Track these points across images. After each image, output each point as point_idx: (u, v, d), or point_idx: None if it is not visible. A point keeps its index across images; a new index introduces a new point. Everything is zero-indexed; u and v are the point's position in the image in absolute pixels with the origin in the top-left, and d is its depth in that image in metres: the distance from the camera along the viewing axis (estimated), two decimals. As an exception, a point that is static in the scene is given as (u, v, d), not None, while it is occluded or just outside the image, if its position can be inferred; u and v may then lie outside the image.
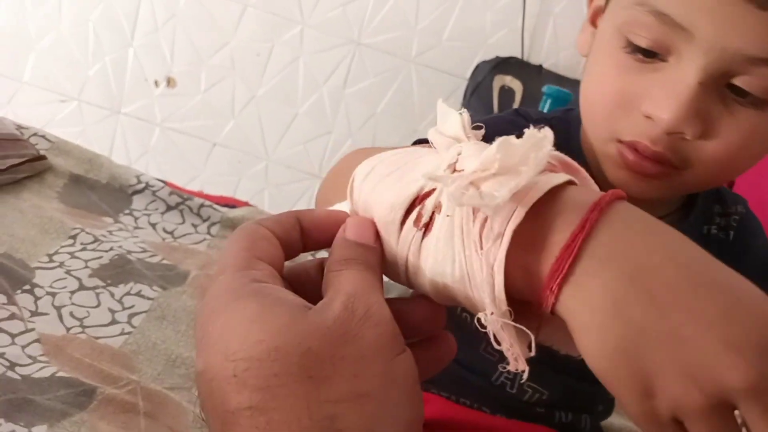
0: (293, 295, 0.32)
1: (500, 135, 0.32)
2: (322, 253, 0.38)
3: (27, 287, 0.83)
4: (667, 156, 0.51)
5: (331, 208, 0.40)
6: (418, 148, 0.38)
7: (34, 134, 1.15)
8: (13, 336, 0.75)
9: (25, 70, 2.02)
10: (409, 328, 0.34)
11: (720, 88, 0.49)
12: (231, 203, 1.26)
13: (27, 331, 0.76)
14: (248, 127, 2.01)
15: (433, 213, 0.34)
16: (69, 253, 0.92)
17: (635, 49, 0.50)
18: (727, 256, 0.30)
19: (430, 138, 0.37)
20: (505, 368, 0.33)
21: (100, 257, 0.92)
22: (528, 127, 0.33)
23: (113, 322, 0.82)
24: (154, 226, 1.08)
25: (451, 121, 0.36)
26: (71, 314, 0.81)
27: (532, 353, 0.33)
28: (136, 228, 1.06)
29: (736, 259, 0.30)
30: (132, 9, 1.95)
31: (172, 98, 2.01)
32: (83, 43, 1.99)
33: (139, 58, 1.99)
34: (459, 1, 1.87)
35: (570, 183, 0.33)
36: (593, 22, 0.57)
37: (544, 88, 1.46)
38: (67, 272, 0.88)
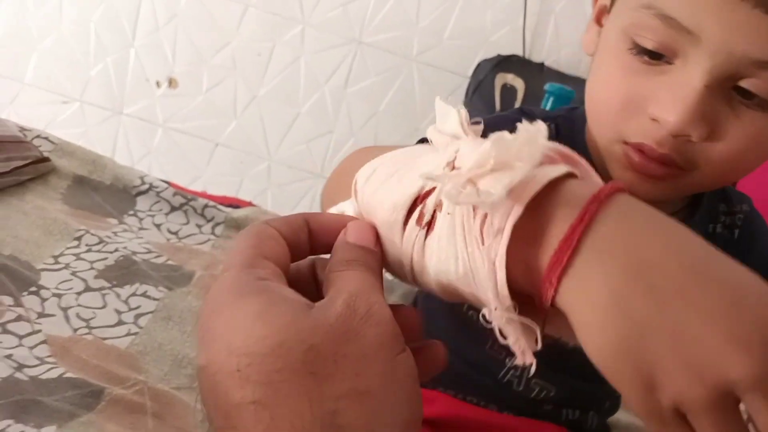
0: (296, 294, 0.32)
1: None
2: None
3: (33, 289, 0.83)
4: (673, 158, 0.51)
5: (334, 207, 0.40)
6: (419, 147, 0.38)
7: (37, 136, 1.15)
8: (20, 337, 0.75)
9: (27, 72, 2.02)
10: None
11: (726, 91, 0.49)
12: (235, 203, 1.26)
13: (34, 332, 0.76)
14: (250, 127, 2.01)
15: (434, 211, 0.34)
16: (74, 254, 0.92)
17: (641, 51, 0.50)
18: (732, 255, 0.30)
19: (429, 136, 0.37)
20: (513, 363, 0.33)
21: (106, 258, 0.92)
22: None
23: (119, 323, 0.82)
24: (158, 226, 1.08)
25: (450, 118, 0.36)
26: (78, 315, 0.81)
27: (539, 346, 0.33)
28: (141, 229, 1.06)
29: (741, 257, 0.30)
30: (133, 9, 1.95)
31: (173, 99, 2.01)
32: (84, 44, 1.99)
33: (141, 58, 1.99)
34: (460, -1, 1.87)
35: (571, 175, 0.33)
36: (598, 21, 0.57)
37: (547, 86, 1.46)
38: (73, 273, 0.88)
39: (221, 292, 0.32)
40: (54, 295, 0.83)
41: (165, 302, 0.87)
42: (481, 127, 0.36)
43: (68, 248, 0.93)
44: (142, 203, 1.12)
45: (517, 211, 0.31)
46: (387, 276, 1.13)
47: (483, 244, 0.32)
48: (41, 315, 0.80)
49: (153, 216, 1.10)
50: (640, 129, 0.52)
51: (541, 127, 0.32)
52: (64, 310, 0.82)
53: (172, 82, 2.00)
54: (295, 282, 0.35)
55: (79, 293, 0.85)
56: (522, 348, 0.33)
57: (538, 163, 0.32)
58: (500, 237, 0.31)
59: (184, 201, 1.13)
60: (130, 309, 0.85)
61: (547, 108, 1.41)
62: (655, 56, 0.50)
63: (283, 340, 0.29)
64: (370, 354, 0.31)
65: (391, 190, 0.36)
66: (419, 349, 0.35)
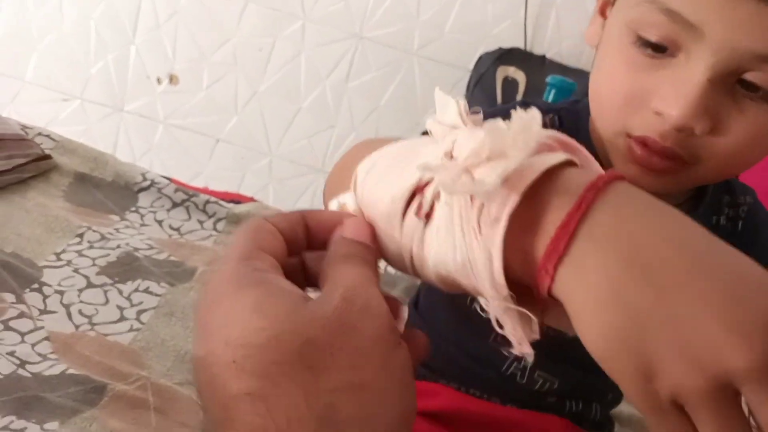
0: (294, 286, 0.33)
1: None
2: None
3: (35, 286, 0.83)
4: (676, 151, 0.51)
5: (335, 199, 0.40)
6: (420, 139, 0.38)
7: (39, 134, 1.15)
8: (22, 334, 0.75)
9: (28, 70, 2.02)
10: None
11: (730, 84, 0.49)
12: (236, 199, 1.26)
13: (36, 329, 0.77)
14: (251, 122, 2.01)
15: (433, 202, 0.34)
16: (76, 251, 0.92)
17: (645, 44, 0.50)
18: (736, 247, 0.30)
19: (428, 127, 0.37)
20: (510, 353, 0.33)
21: (107, 255, 0.92)
22: None
23: (122, 319, 0.82)
24: (160, 223, 1.08)
25: (449, 109, 0.36)
26: (80, 312, 0.82)
27: (537, 336, 0.33)
28: (143, 225, 1.06)
29: (745, 249, 0.30)
30: (133, 7, 1.95)
31: (174, 95, 2.01)
32: (85, 42, 1.99)
33: (141, 55, 1.99)
34: (460, -8, 1.86)
35: (570, 163, 0.33)
36: (602, 13, 0.57)
37: (548, 79, 1.45)
38: (75, 270, 0.88)
39: (219, 284, 0.32)
40: (56, 291, 0.84)
41: (167, 298, 0.88)
42: (480, 117, 0.36)
43: (70, 245, 0.93)
44: (143, 200, 1.12)
45: (513, 199, 0.31)
46: (389, 270, 1.13)
47: (480, 233, 0.32)
48: (43, 312, 0.80)
49: (155, 212, 1.10)
50: (644, 122, 0.52)
51: (535, 115, 0.32)
52: (67, 306, 0.82)
53: (172, 79, 2.00)
54: (286, 275, 0.35)
55: (81, 290, 0.85)
56: (519, 338, 0.33)
57: (533, 150, 0.32)
58: (497, 226, 0.31)
59: (185, 197, 1.13)
60: (133, 305, 0.85)
61: (549, 101, 1.41)
62: (659, 50, 0.50)
63: (279, 333, 0.29)
64: (367, 347, 0.31)
65: (390, 182, 0.36)
66: (404, 336, 0.35)
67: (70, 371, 0.71)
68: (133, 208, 1.09)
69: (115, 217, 1.05)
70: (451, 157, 0.33)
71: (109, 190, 1.11)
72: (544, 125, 0.35)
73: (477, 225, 0.32)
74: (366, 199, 0.37)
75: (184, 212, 1.12)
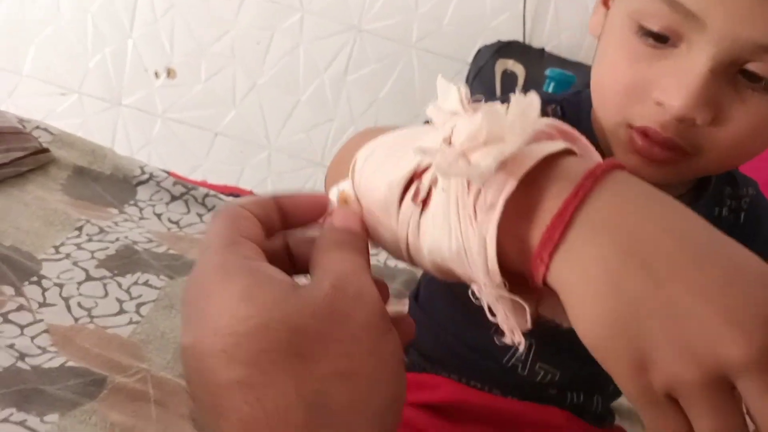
0: (282, 273, 0.32)
1: None
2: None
3: (34, 279, 0.83)
4: (678, 142, 0.51)
5: (334, 186, 0.40)
6: (421, 127, 0.38)
7: (37, 127, 1.15)
8: (21, 327, 0.75)
9: (25, 63, 2.01)
10: None
11: (732, 74, 0.48)
12: (235, 192, 1.26)
13: (35, 322, 0.76)
14: (250, 116, 2.01)
15: (430, 188, 0.33)
16: (75, 244, 0.92)
17: (647, 34, 0.50)
18: (738, 239, 0.30)
19: (428, 114, 0.36)
20: (502, 341, 0.33)
21: (107, 248, 0.92)
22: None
23: (121, 311, 0.82)
24: (159, 216, 1.08)
25: (450, 96, 0.36)
26: (79, 305, 0.82)
27: (529, 326, 0.32)
28: (142, 218, 1.06)
29: (747, 241, 0.30)
30: (130, 0, 1.94)
31: (172, 89, 2.00)
32: (82, 35, 1.98)
33: (139, 49, 1.99)
34: (459, -15, 1.86)
35: (569, 152, 0.33)
36: (605, 2, 0.57)
37: (547, 71, 1.45)
38: (74, 263, 0.88)
39: (206, 273, 0.32)
40: (55, 284, 0.83)
41: (167, 291, 0.87)
42: (481, 104, 0.35)
43: (69, 238, 0.93)
44: (142, 193, 1.11)
45: (510, 185, 0.31)
46: (389, 264, 1.12)
47: (476, 219, 0.31)
48: (43, 305, 0.80)
49: (153, 206, 1.10)
50: (645, 113, 0.51)
51: (533, 100, 0.32)
52: (66, 299, 0.82)
53: (170, 72, 2.00)
54: (271, 259, 0.35)
55: (80, 283, 0.85)
56: (511, 327, 0.32)
57: (531, 135, 0.31)
58: (493, 212, 0.31)
59: (184, 190, 1.13)
60: (132, 298, 0.85)
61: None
62: (661, 40, 0.49)
63: (269, 321, 0.29)
64: (358, 334, 0.31)
65: (388, 169, 0.35)
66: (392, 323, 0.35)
67: (70, 364, 0.71)
68: (132, 202, 1.09)
69: (114, 211, 1.05)
70: (450, 143, 0.33)
71: (108, 183, 1.11)
72: (546, 116, 0.34)
73: (473, 211, 0.31)
74: (363, 186, 0.37)
75: (183, 205, 1.12)
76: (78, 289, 0.84)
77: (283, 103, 1.99)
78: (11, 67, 2.01)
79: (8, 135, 1.04)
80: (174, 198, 1.12)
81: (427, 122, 0.50)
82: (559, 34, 1.85)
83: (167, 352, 0.78)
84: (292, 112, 2.00)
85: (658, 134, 0.51)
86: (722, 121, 0.50)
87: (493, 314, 0.32)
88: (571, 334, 0.31)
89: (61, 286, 0.83)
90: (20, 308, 0.77)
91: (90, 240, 0.93)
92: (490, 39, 1.84)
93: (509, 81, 1.74)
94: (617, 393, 0.74)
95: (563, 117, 0.60)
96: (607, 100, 0.55)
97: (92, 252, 0.91)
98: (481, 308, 0.33)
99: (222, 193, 1.18)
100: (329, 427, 0.29)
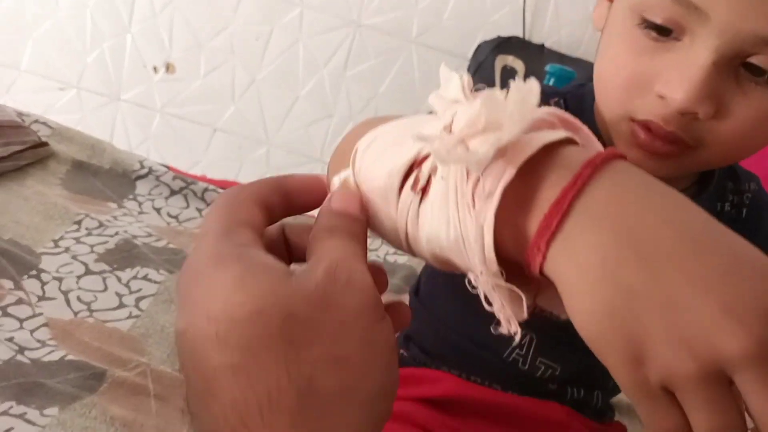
0: (276, 260, 0.32)
1: None
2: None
3: (33, 272, 0.83)
4: (680, 136, 0.51)
5: (336, 176, 0.40)
6: (423, 116, 0.38)
7: (36, 121, 1.15)
8: (21, 321, 0.75)
9: (23, 58, 2.01)
10: None
11: (734, 68, 0.48)
12: (234, 187, 1.25)
13: (35, 315, 0.76)
14: (249, 111, 2.00)
15: (429, 177, 0.33)
16: (74, 238, 0.92)
17: (649, 26, 0.50)
18: (739, 234, 0.29)
19: (430, 102, 0.36)
20: (498, 331, 0.33)
21: (106, 242, 0.92)
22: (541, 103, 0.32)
23: (121, 305, 0.82)
24: (158, 210, 1.08)
25: (452, 84, 0.35)
26: (78, 299, 0.81)
27: (525, 316, 0.32)
28: (141, 213, 1.05)
29: (749, 236, 0.29)
30: (129, -5, 1.94)
31: (171, 84, 2.00)
32: (81, 30, 1.98)
33: (138, 44, 1.98)
34: (459, -20, 1.85)
35: (570, 141, 0.33)
36: None
37: (547, 67, 1.45)
38: (73, 257, 0.88)
39: (200, 259, 0.32)
40: (54, 278, 0.83)
41: (166, 285, 0.87)
42: (481, 92, 0.35)
43: (68, 232, 0.93)
44: (141, 187, 1.11)
45: (509, 173, 0.30)
46: (388, 260, 1.12)
47: (474, 208, 0.31)
48: (42, 298, 0.80)
49: (153, 200, 1.10)
50: (647, 106, 0.51)
51: (533, 86, 0.31)
52: (65, 293, 0.82)
53: (169, 68, 1.99)
54: (267, 245, 0.35)
55: (79, 277, 0.85)
56: (507, 316, 0.32)
57: (530, 122, 0.31)
58: (491, 200, 0.30)
59: (184, 185, 1.13)
60: (131, 292, 0.85)
61: (549, 89, 1.40)
62: (664, 32, 0.49)
63: (262, 307, 0.29)
64: (350, 321, 0.31)
65: (388, 157, 0.35)
66: (387, 308, 0.35)
67: (69, 357, 0.71)
68: (131, 196, 1.09)
69: (113, 205, 1.05)
70: (451, 131, 0.33)
71: (107, 177, 1.11)
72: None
73: (471, 200, 0.31)
74: (363, 174, 0.37)
75: (183, 200, 1.12)
76: (77, 282, 0.84)
77: (282, 98, 1.99)
78: (9, 62, 2.01)
79: (7, 129, 1.04)
80: (173, 192, 1.12)
81: (431, 113, 0.50)
82: (559, 29, 1.85)
83: (167, 346, 0.78)
84: (292, 108, 1.99)
85: (660, 128, 0.51)
86: (724, 115, 0.49)
87: (489, 303, 0.32)
88: (571, 328, 0.30)
89: (60, 279, 0.83)
90: (19, 302, 0.77)
91: (89, 234, 0.93)
92: (490, 34, 1.84)
93: (509, 76, 1.73)
94: (617, 389, 0.74)
95: (566, 110, 0.60)
96: (609, 93, 0.55)
97: (91, 246, 0.91)
98: (482, 303, 0.33)
99: (221, 187, 1.18)
100: (320, 412, 0.29)
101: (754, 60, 0.47)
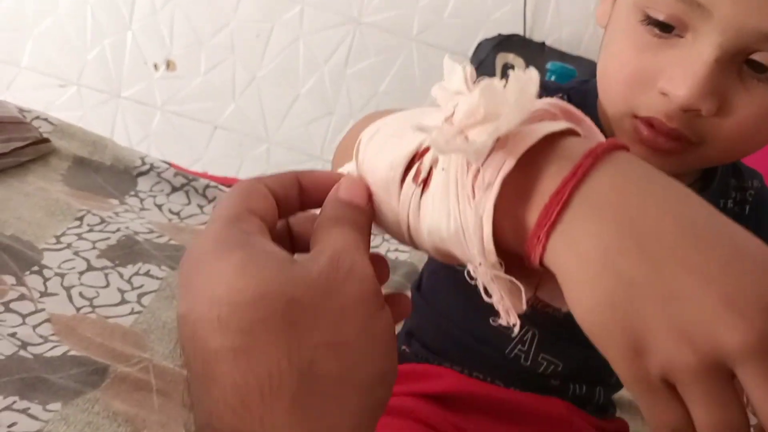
0: (279, 248, 0.33)
1: None
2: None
3: (36, 268, 0.83)
4: (683, 132, 0.51)
5: (340, 170, 0.40)
6: (425, 108, 0.38)
7: (37, 117, 1.15)
8: (23, 316, 0.75)
9: (24, 56, 2.01)
10: None
11: (737, 65, 0.48)
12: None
13: (37, 311, 0.76)
14: (249, 109, 2.00)
15: (431, 169, 0.33)
16: (76, 234, 0.92)
17: (652, 23, 0.50)
18: None
19: (433, 94, 0.36)
20: (496, 321, 0.33)
21: (108, 238, 0.92)
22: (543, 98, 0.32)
23: (123, 301, 0.82)
24: (160, 207, 1.08)
25: (455, 75, 0.35)
26: (81, 294, 0.82)
27: (524, 308, 0.32)
28: (142, 209, 1.06)
29: (751, 233, 0.29)
30: (130, -9, 1.94)
31: (172, 81, 2.00)
32: (81, 27, 1.97)
33: (138, 41, 1.98)
34: (460, -22, 1.85)
35: (572, 132, 0.33)
36: None
37: (548, 65, 1.45)
38: (75, 253, 0.88)
39: (205, 243, 0.32)
40: (56, 274, 0.83)
41: (168, 281, 0.87)
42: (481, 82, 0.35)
43: (70, 228, 0.93)
44: (143, 184, 1.11)
45: (508, 164, 0.30)
46: (390, 256, 1.12)
47: (474, 199, 0.31)
48: (44, 294, 0.80)
49: (154, 196, 1.10)
50: (650, 103, 0.51)
51: (532, 76, 0.31)
52: (67, 289, 0.82)
53: (170, 65, 1.99)
54: (274, 239, 0.35)
55: (81, 272, 0.85)
56: (506, 307, 0.32)
57: (529, 112, 0.31)
58: (490, 190, 0.30)
59: (185, 181, 1.13)
60: (134, 288, 0.85)
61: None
62: (666, 29, 0.49)
63: (264, 292, 0.30)
64: (350, 308, 0.31)
65: (390, 149, 0.35)
66: (387, 298, 0.36)
67: (72, 353, 0.71)
68: (133, 192, 1.09)
69: (115, 201, 1.05)
70: (452, 122, 0.33)
71: (109, 174, 1.11)
72: None
73: (471, 191, 0.31)
74: (366, 166, 0.37)
75: (184, 196, 1.12)
76: (79, 278, 0.84)
77: (282, 96, 1.98)
78: (10, 58, 2.00)
79: (8, 125, 1.04)
80: (175, 189, 1.12)
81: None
82: (560, 28, 1.85)
83: (169, 341, 0.78)
84: (292, 106, 1.99)
85: (663, 124, 0.51)
86: (727, 112, 0.49)
87: (488, 295, 0.32)
88: (573, 324, 0.30)
89: (62, 275, 0.83)
90: (21, 297, 0.77)
91: (91, 230, 0.93)
92: (491, 32, 1.84)
93: (509, 75, 1.73)
94: (619, 385, 0.74)
95: None
96: (612, 90, 0.55)
97: (93, 242, 0.91)
98: (483, 299, 0.33)
99: (222, 184, 1.18)
100: (319, 396, 0.30)
101: (756, 57, 0.47)
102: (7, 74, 2.01)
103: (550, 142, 0.31)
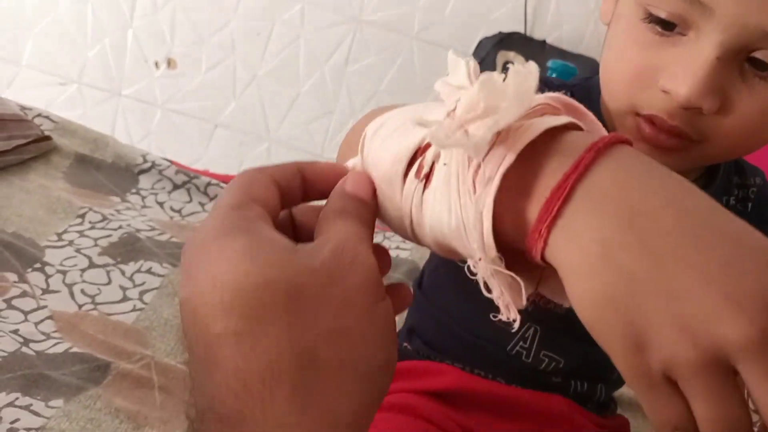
0: (282, 236, 0.33)
1: None
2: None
3: (37, 265, 0.83)
4: (684, 130, 0.51)
5: (345, 164, 0.40)
6: (429, 103, 0.38)
7: (38, 115, 1.15)
8: (25, 313, 0.75)
9: (24, 54, 2.01)
10: None
11: (739, 62, 0.48)
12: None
13: (39, 308, 0.77)
14: (250, 107, 2.00)
15: (433, 164, 0.33)
16: (78, 231, 0.92)
17: (654, 20, 0.50)
18: None
19: (437, 89, 0.36)
20: (496, 317, 0.33)
21: (109, 235, 0.93)
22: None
23: (125, 299, 0.83)
24: (161, 204, 1.08)
25: (459, 70, 0.35)
26: (83, 291, 0.82)
27: (524, 303, 0.32)
28: (144, 207, 1.06)
29: None
30: (130, -10, 1.94)
31: (172, 79, 2.00)
32: (82, 25, 1.97)
33: (139, 39, 1.98)
34: (460, -24, 1.85)
35: (574, 127, 0.33)
36: None
37: (549, 63, 1.45)
38: (77, 250, 0.88)
39: (208, 229, 0.32)
40: (58, 271, 0.83)
41: (170, 278, 0.88)
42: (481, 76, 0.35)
43: (72, 226, 0.93)
44: (144, 181, 1.11)
45: (509, 158, 0.30)
46: (392, 254, 1.12)
47: (475, 193, 0.31)
48: (46, 291, 0.80)
49: (156, 194, 1.10)
50: (652, 100, 0.51)
51: (532, 70, 0.31)
52: (69, 286, 0.82)
53: (170, 63, 1.99)
54: (276, 228, 0.35)
55: (83, 270, 0.85)
56: (506, 303, 0.32)
57: (529, 105, 0.31)
58: (491, 185, 0.31)
59: (186, 179, 1.13)
60: (135, 285, 0.85)
61: (550, 85, 1.40)
62: (668, 27, 0.49)
63: (268, 278, 0.30)
64: (352, 298, 0.31)
65: (394, 143, 0.35)
66: (388, 289, 0.36)
67: (74, 350, 0.72)
68: (134, 190, 1.09)
69: (116, 199, 1.05)
70: (454, 117, 0.33)
71: (110, 171, 1.11)
72: None
73: (472, 186, 0.31)
74: (370, 161, 0.37)
75: (186, 194, 1.12)
76: (81, 276, 0.84)
77: (283, 94, 1.99)
78: (10, 57, 2.00)
79: (10, 122, 1.04)
80: (176, 187, 1.12)
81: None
82: (561, 26, 1.85)
83: (171, 339, 0.79)
84: (293, 104, 1.99)
85: (664, 122, 0.51)
86: (729, 110, 0.49)
87: (489, 290, 0.32)
88: (574, 321, 0.30)
89: (64, 272, 0.84)
90: (24, 294, 0.78)
91: (93, 227, 0.93)
92: (492, 30, 1.84)
93: (510, 73, 1.73)
94: (620, 382, 0.74)
95: None
96: (614, 87, 0.55)
97: (95, 239, 0.91)
98: (485, 295, 0.33)
99: (224, 182, 1.18)
100: (320, 382, 0.30)
101: (758, 55, 0.47)
102: (8, 73, 2.01)
103: (551, 136, 0.31)
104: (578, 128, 0.33)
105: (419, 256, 1.09)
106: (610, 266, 0.28)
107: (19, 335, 0.71)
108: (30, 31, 1.99)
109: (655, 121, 0.51)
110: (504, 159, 0.30)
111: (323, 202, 0.37)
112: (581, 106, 0.34)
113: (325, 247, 0.32)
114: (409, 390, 0.67)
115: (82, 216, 0.95)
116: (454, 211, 0.32)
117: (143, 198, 1.08)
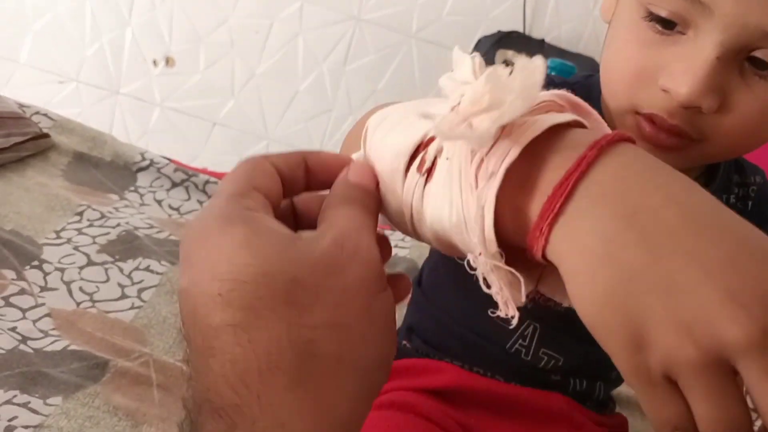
0: (282, 225, 0.33)
1: None
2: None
3: (36, 263, 0.83)
4: (684, 129, 0.51)
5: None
6: (433, 99, 0.38)
7: (36, 112, 1.15)
8: (23, 311, 0.75)
9: (22, 52, 2.00)
10: None
11: (739, 61, 0.48)
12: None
13: (37, 306, 0.76)
14: (248, 105, 2.00)
15: (435, 158, 0.33)
16: (76, 229, 0.92)
17: (655, 19, 0.50)
18: None
19: (441, 84, 0.36)
20: (494, 313, 0.33)
21: (108, 233, 0.92)
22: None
23: (123, 296, 0.83)
24: (159, 202, 1.08)
25: (464, 65, 0.35)
26: (81, 289, 0.82)
27: (523, 300, 0.32)
28: (142, 205, 1.06)
29: None
30: (129, -12, 1.93)
31: (171, 78, 2.00)
32: (80, 24, 1.97)
33: (137, 37, 1.98)
34: (459, -25, 1.85)
35: (578, 124, 0.32)
36: None
37: (548, 62, 1.45)
38: (75, 248, 0.88)
39: (207, 219, 0.32)
40: (57, 269, 0.83)
41: (168, 276, 0.87)
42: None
43: (70, 223, 0.93)
44: (142, 179, 1.11)
45: (512, 153, 0.30)
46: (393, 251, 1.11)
47: (476, 188, 0.31)
48: (44, 289, 0.80)
49: (154, 192, 1.10)
50: (652, 100, 0.51)
51: (539, 64, 0.31)
52: (67, 284, 0.82)
53: (169, 61, 1.99)
54: (277, 217, 0.35)
55: (81, 267, 0.85)
56: (505, 299, 0.32)
57: (534, 100, 0.31)
58: (493, 180, 0.30)
59: (185, 177, 1.13)
60: (134, 283, 0.85)
61: (549, 83, 1.40)
62: (668, 25, 0.49)
63: (267, 270, 0.30)
64: (352, 290, 0.31)
65: (396, 137, 0.35)
66: (388, 279, 0.36)
67: (72, 347, 0.71)
68: (133, 188, 1.09)
69: (115, 197, 1.05)
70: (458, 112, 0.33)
71: (108, 169, 1.11)
72: None
73: (474, 180, 0.31)
74: (373, 154, 0.37)
75: (184, 192, 1.12)
76: (79, 273, 0.84)
77: (281, 93, 1.98)
78: (8, 55, 2.00)
79: (8, 120, 1.04)
80: (175, 184, 1.12)
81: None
82: (560, 25, 1.85)
83: (169, 336, 0.78)
84: (291, 102, 1.99)
85: (664, 121, 0.51)
86: (728, 109, 0.50)
87: (488, 286, 0.32)
88: (574, 318, 0.30)
89: (62, 270, 0.83)
90: (22, 292, 0.77)
91: (91, 225, 0.93)
92: (490, 29, 1.84)
93: (509, 72, 1.73)
94: (619, 380, 0.74)
95: None
96: (614, 86, 0.55)
97: (93, 237, 0.91)
98: (485, 293, 0.33)
99: (222, 180, 1.18)
100: (317, 375, 0.30)
101: (758, 54, 0.48)
102: (6, 71, 2.01)
103: (555, 132, 0.31)
104: (582, 126, 0.33)
105: (418, 254, 1.09)
106: (612, 265, 0.28)
107: (17, 333, 0.71)
108: (28, 29, 1.98)
109: (655, 119, 0.51)
110: (507, 154, 0.30)
111: (326, 192, 0.37)
112: (586, 104, 0.34)
113: (327, 235, 0.32)
114: (408, 388, 0.67)
115: (81, 214, 0.95)
116: (455, 205, 0.32)
117: (141, 196, 1.08)
